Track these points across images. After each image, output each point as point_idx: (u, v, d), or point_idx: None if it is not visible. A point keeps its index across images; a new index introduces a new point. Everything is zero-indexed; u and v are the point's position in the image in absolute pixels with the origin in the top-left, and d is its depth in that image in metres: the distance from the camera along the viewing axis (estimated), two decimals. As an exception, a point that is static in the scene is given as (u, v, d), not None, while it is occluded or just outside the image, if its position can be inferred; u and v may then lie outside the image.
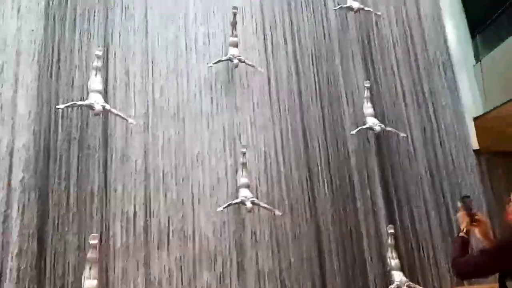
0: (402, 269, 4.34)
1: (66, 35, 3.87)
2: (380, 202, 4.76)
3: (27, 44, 3.68)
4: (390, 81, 5.29)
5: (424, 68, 5.37)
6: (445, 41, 5.47)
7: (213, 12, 4.69)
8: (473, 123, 5.17)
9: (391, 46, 5.39)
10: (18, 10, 3.73)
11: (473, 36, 5.45)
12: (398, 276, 4.26)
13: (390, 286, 4.20)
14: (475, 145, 5.08)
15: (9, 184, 3.30)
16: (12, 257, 3.14)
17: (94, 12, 4.01)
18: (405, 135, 4.97)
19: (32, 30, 3.66)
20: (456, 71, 5.36)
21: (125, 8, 4.19)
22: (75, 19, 3.93)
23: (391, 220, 4.67)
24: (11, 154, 3.38)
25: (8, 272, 3.10)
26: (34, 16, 3.74)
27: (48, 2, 3.87)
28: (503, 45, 4.83)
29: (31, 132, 3.50)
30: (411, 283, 4.27)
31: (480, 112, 5.14)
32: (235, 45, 4.51)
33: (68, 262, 3.29)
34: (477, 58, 5.34)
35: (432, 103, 5.26)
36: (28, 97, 3.57)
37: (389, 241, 4.43)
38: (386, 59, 5.33)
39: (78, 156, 3.58)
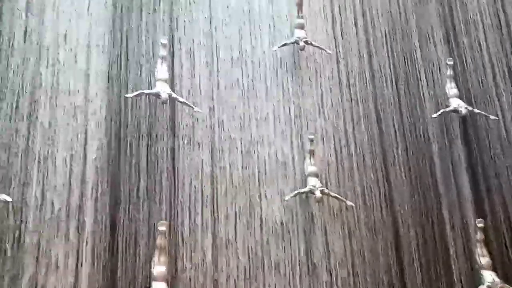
0: (494, 268, 3.85)
1: (132, 25, 3.93)
2: (467, 192, 4.27)
3: (97, 35, 3.81)
4: (477, 58, 4.73)
5: (517, 41, 4.72)
6: (545, 9, 4.74)
7: (278, -6, 4.50)
8: None
9: (478, 18, 4.81)
10: (89, 3, 3.86)
11: None
12: (489, 276, 3.78)
13: (479, 287, 3.75)
14: None
15: (83, 171, 3.43)
16: (87, 242, 3.26)
17: (159, 0, 4.03)
18: (496, 118, 4.41)
19: (102, 22, 3.78)
20: (559, 43, 4.63)
21: (190, -5, 4.17)
22: (141, 9, 3.98)
23: (480, 213, 4.17)
24: (84, 143, 3.51)
25: (83, 256, 3.22)
26: (103, 7, 3.86)
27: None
28: None
29: (103, 121, 3.60)
30: (506, 285, 3.77)
31: None
32: (302, 27, 4.27)
33: (139, 248, 3.34)
34: None
35: (528, 81, 4.60)
36: (99, 87, 3.69)
37: (478, 236, 3.95)
38: (472, 33, 4.77)
39: (148, 145, 3.63)
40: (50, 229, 3.26)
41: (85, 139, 3.52)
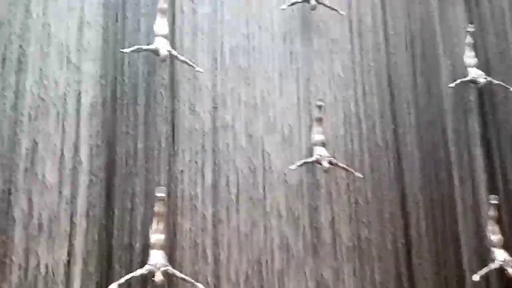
0: (505, 246, 3.70)
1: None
2: (480, 167, 4.08)
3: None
4: (499, 25, 4.44)
5: (543, 8, 4.41)
6: None
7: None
8: None
9: (502, -18, 4.47)
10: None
11: None
12: (500, 255, 3.63)
13: (490, 265, 3.60)
14: None
15: (77, 132, 3.19)
16: (81, 206, 3.06)
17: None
18: (516, 90, 4.17)
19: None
20: None
21: None
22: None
23: (493, 189, 3.98)
24: (78, 101, 3.25)
25: (77, 221, 3.03)
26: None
27: None
28: None
29: (97, 79, 3.33)
30: (517, 263, 3.62)
31: None
32: (313, -16, 3.94)
33: (136, 215, 3.15)
34: None
35: (551, 52, 4.32)
36: (94, 42, 3.39)
37: (491, 212, 3.78)
38: (495, -1, 4.46)
39: (145, 105, 3.37)
40: (42, 192, 3.04)
41: (79, 96, 3.24)
